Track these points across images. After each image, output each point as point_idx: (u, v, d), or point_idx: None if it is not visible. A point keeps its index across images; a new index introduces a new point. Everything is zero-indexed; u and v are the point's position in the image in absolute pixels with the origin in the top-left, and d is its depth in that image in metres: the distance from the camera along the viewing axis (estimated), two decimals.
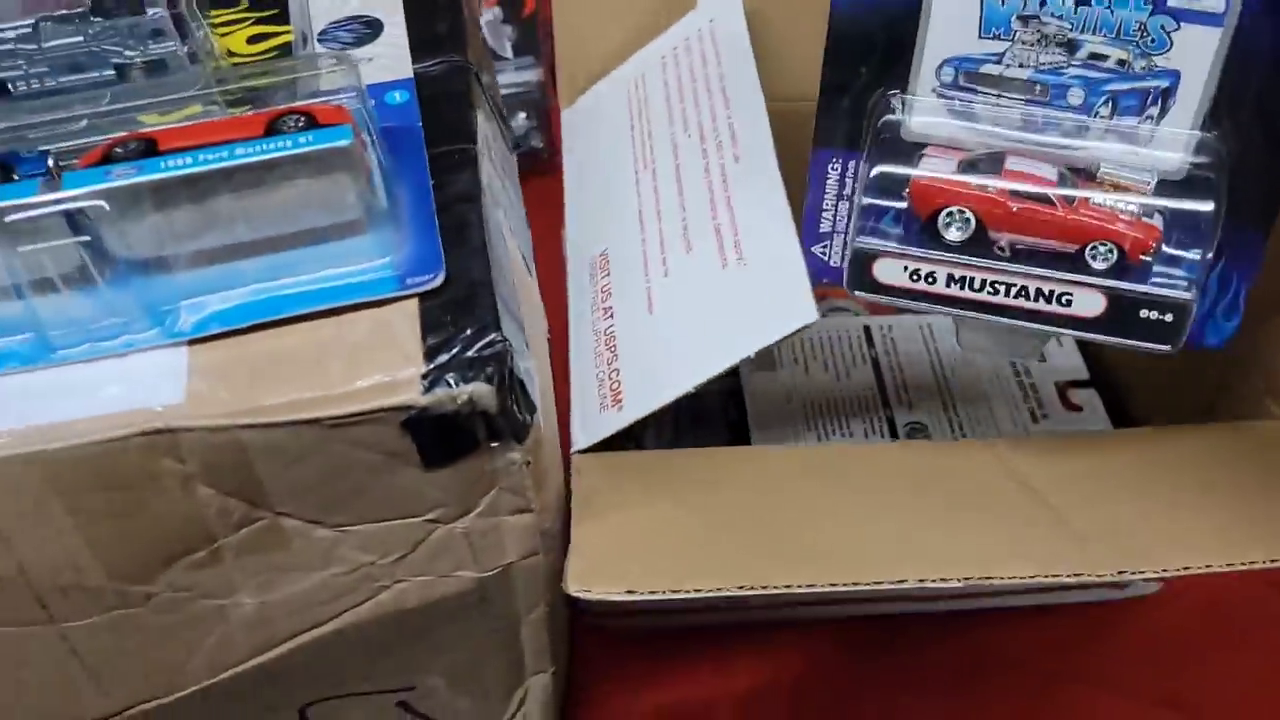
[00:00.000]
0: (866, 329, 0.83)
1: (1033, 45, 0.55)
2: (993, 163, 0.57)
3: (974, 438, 0.76)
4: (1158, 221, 0.55)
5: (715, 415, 0.79)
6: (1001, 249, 0.56)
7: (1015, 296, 0.56)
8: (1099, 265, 0.55)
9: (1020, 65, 0.56)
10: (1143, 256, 0.55)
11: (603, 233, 0.70)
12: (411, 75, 0.57)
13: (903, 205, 0.57)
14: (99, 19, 0.52)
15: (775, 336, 0.56)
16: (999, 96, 0.57)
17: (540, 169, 0.98)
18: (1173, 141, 0.55)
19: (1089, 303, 0.55)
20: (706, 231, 0.64)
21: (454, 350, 0.46)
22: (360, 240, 0.49)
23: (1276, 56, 0.52)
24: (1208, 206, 0.54)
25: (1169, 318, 0.54)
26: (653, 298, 0.64)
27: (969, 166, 0.57)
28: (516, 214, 0.63)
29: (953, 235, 0.56)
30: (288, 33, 0.57)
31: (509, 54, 0.98)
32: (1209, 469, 0.60)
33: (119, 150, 0.47)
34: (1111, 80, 0.55)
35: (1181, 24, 0.53)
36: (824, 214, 0.61)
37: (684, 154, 0.69)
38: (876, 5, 0.56)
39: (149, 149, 0.47)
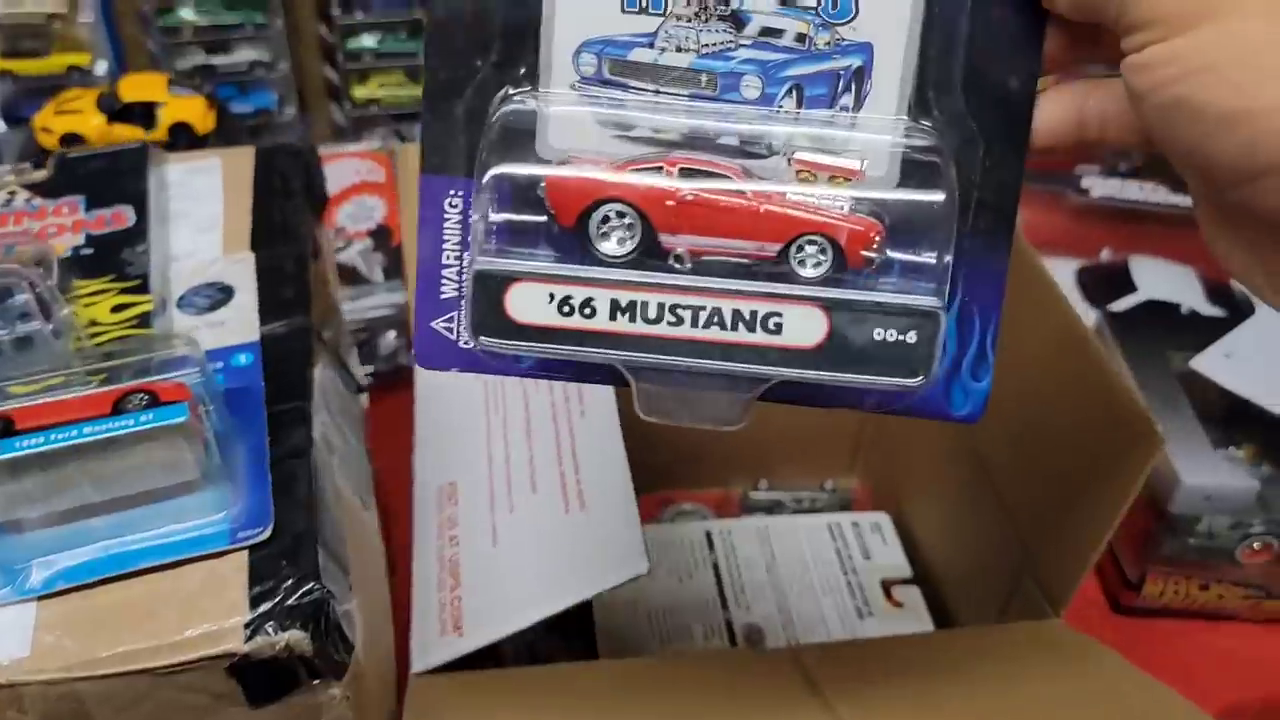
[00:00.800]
0: (708, 534, 0.89)
1: (690, 20, 0.45)
2: (657, 156, 0.45)
3: (804, 638, 0.82)
4: (874, 220, 0.45)
5: (566, 618, 0.84)
6: (680, 259, 0.44)
7: (706, 326, 0.44)
8: (810, 270, 0.44)
9: (679, 48, 0.45)
10: (865, 253, 0.44)
11: (452, 463, 0.76)
12: (258, 338, 0.64)
13: (540, 218, 0.45)
14: None
15: (608, 584, 0.58)
16: (657, 93, 0.45)
17: (408, 384, 1.04)
18: (877, 132, 0.45)
19: (805, 325, 0.44)
20: (552, 476, 0.68)
21: (276, 599, 0.52)
22: (198, 497, 0.55)
23: (983, 15, 0.43)
24: (938, 197, 0.44)
25: (911, 336, 0.43)
26: (498, 532, 0.68)
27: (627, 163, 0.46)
28: (353, 455, 0.69)
29: (613, 245, 0.44)
30: (148, 302, 0.64)
31: (380, 279, 1.06)
32: (990, 672, 0.65)
33: None
34: (792, 62, 0.44)
35: None
36: (445, 271, 0.46)
37: (533, 401, 0.75)
38: None
39: (6, 428, 0.53)
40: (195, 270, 0.68)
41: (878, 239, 0.44)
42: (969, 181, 0.45)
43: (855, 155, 0.45)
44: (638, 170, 0.45)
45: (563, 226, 0.45)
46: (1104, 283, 1.07)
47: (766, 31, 0.45)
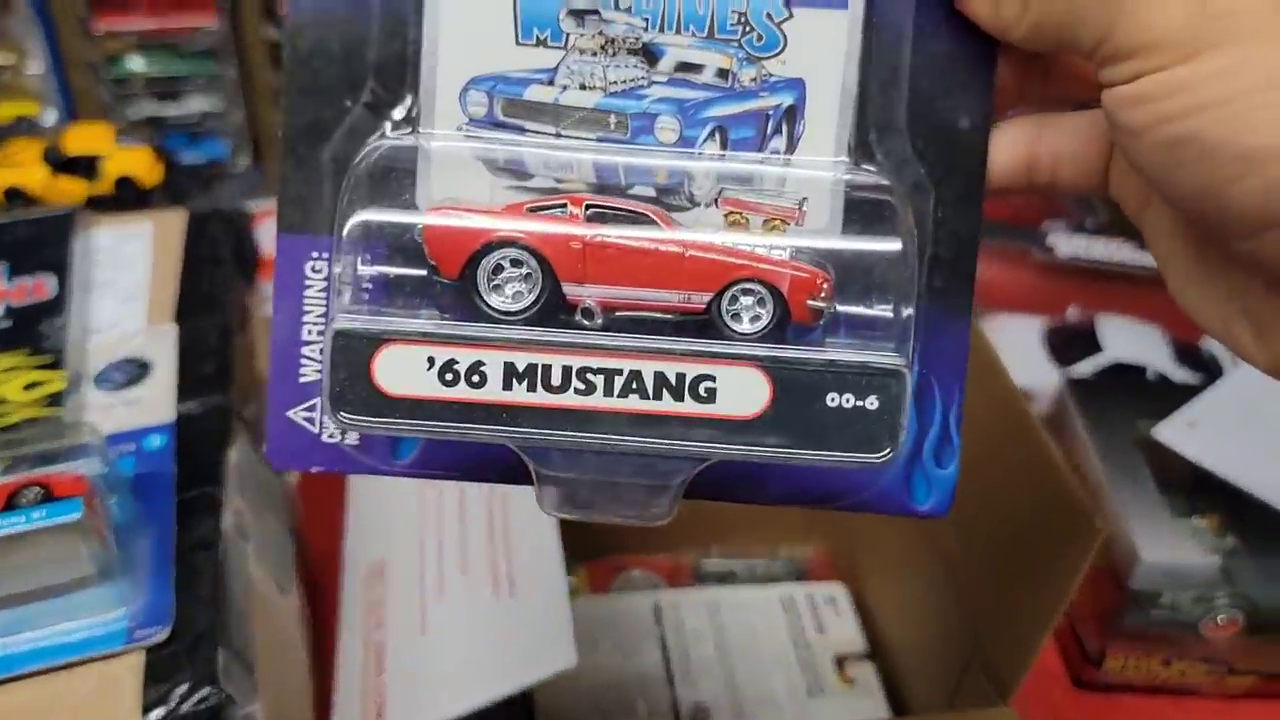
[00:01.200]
0: (656, 607, 0.87)
1: (595, 54, 0.39)
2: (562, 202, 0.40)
3: (753, 718, 0.80)
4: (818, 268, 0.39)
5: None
6: (589, 314, 0.38)
7: (623, 394, 0.36)
8: (746, 325, 0.38)
9: (583, 85, 0.39)
10: (811, 303, 0.39)
11: (382, 539, 0.74)
12: (173, 418, 0.62)
13: (418, 272, 0.38)
14: None
15: (536, 678, 0.56)
16: (558, 136, 0.39)
17: None
18: (814, 181, 0.40)
19: (743, 391, 0.36)
20: (483, 557, 0.65)
21: (171, 705, 0.50)
22: (95, 593, 0.53)
23: (927, 47, 0.39)
24: (893, 245, 0.39)
25: (871, 401, 0.37)
26: (426, 616, 0.65)
27: (525, 210, 0.40)
28: (272, 538, 0.66)
29: (507, 299, 0.38)
30: (61, 379, 0.62)
31: None
32: None
33: None
34: (714, 101, 0.39)
35: (794, 10, 0.39)
36: (306, 349, 0.40)
37: None
38: (359, 6, 0.39)
39: None
40: (116, 343, 0.66)
41: (825, 286, 0.38)
42: (923, 234, 0.40)
43: (792, 195, 0.40)
44: (536, 210, 0.39)
45: (447, 278, 0.38)
46: (1070, 343, 1.05)
47: (683, 67, 0.40)
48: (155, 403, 0.62)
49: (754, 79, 0.40)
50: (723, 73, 0.40)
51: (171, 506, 0.57)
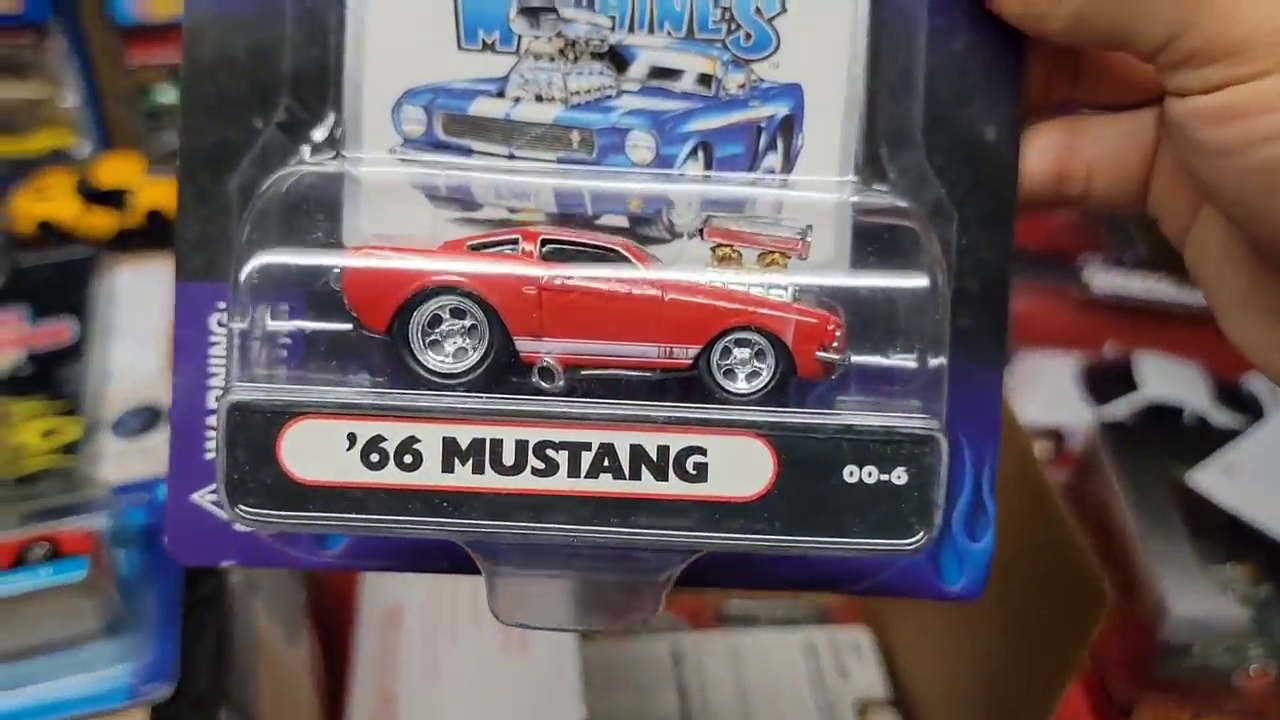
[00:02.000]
0: (676, 651, 0.85)
1: (553, 59, 0.33)
2: (514, 237, 0.32)
3: None
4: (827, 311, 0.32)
5: None
6: (549, 374, 0.31)
7: (591, 474, 0.29)
8: (743, 383, 0.31)
9: (539, 97, 0.33)
10: (821, 355, 0.31)
11: (398, 583, 0.74)
12: None
13: (340, 326, 0.31)
14: None
15: None
16: (510, 157, 0.33)
17: None
18: (815, 206, 0.33)
19: (742, 465, 0.29)
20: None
21: None
22: (100, 648, 0.54)
23: (946, 43, 0.33)
24: (919, 281, 0.32)
25: (899, 475, 0.30)
26: (439, 665, 0.65)
27: (466, 247, 0.32)
28: (283, 586, 0.66)
29: (447, 357, 0.31)
30: (77, 427, 0.63)
31: None
32: None
33: None
34: (695, 113, 0.33)
35: (788, 3, 0.33)
36: (211, 418, 0.34)
37: None
38: (269, 5, 0.32)
39: None
40: (131, 390, 0.66)
41: (837, 333, 0.32)
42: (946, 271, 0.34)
43: (792, 223, 0.33)
44: (481, 248, 0.31)
45: (373, 332, 0.31)
46: (1106, 381, 1.03)
47: (658, 73, 0.33)
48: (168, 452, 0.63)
49: (742, 85, 0.34)
50: (705, 79, 0.34)
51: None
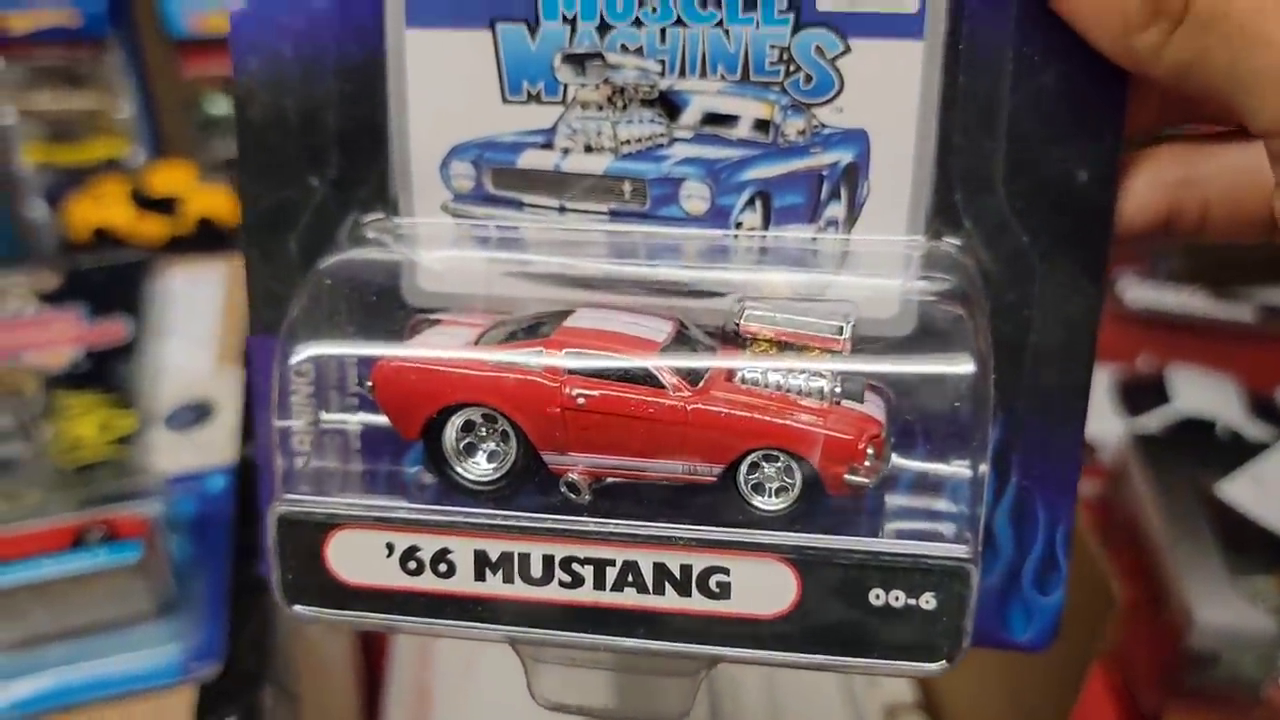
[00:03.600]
0: None
1: (602, 108, 0.31)
2: (550, 324, 0.31)
3: None
4: (873, 408, 0.30)
5: None
6: (575, 487, 0.31)
7: (617, 588, 0.29)
8: (769, 500, 0.30)
9: (588, 147, 0.31)
10: (851, 477, 0.30)
11: None
12: (235, 460, 0.64)
13: (376, 422, 0.32)
14: None
15: None
16: (561, 209, 0.32)
17: None
18: (881, 259, 0.31)
19: (765, 585, 0.29)
20: None
21: None
22: (152, 628, 0.56)
23: (1033, 79, 0.30)
24: (966, 368, 0.29)
25: (927, 600, 0.28)
26: (474, 659, 0.67)
27: (503, 334, 0.32)
28: None
29: (481, 464, 0.32)
30: (132, 420, 0.65)
31: None
32: None
33: None
34: (752, 160, 0.31)
35: (852, 42, 0.30)
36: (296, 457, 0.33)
37: None
38: (312, 64, 0.32)
39: None
40: (184, 386, 0.69)
41: (870, 451, 0.29)
42: (1022, 320, 0.31)
43: (838, 309, 0.30)
44: (508, 348, 0.30)
45: (404, 433, 0.32)
46: (1139, 393, 1.03)
47: (712, 119, 0.31)
48: (219, 445, 0.65)
49: (802, 131, 0.32)
50: (762, 124, 0.32)
51: (229, 547, 0.60)
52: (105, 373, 0.68)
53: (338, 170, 0.33)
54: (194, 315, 0.74)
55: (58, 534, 0.55)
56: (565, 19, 0.31)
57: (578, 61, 0.31)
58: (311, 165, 0.33)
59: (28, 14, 0.96)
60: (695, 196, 0.32)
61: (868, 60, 0.31)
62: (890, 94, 0.31)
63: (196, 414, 0.67)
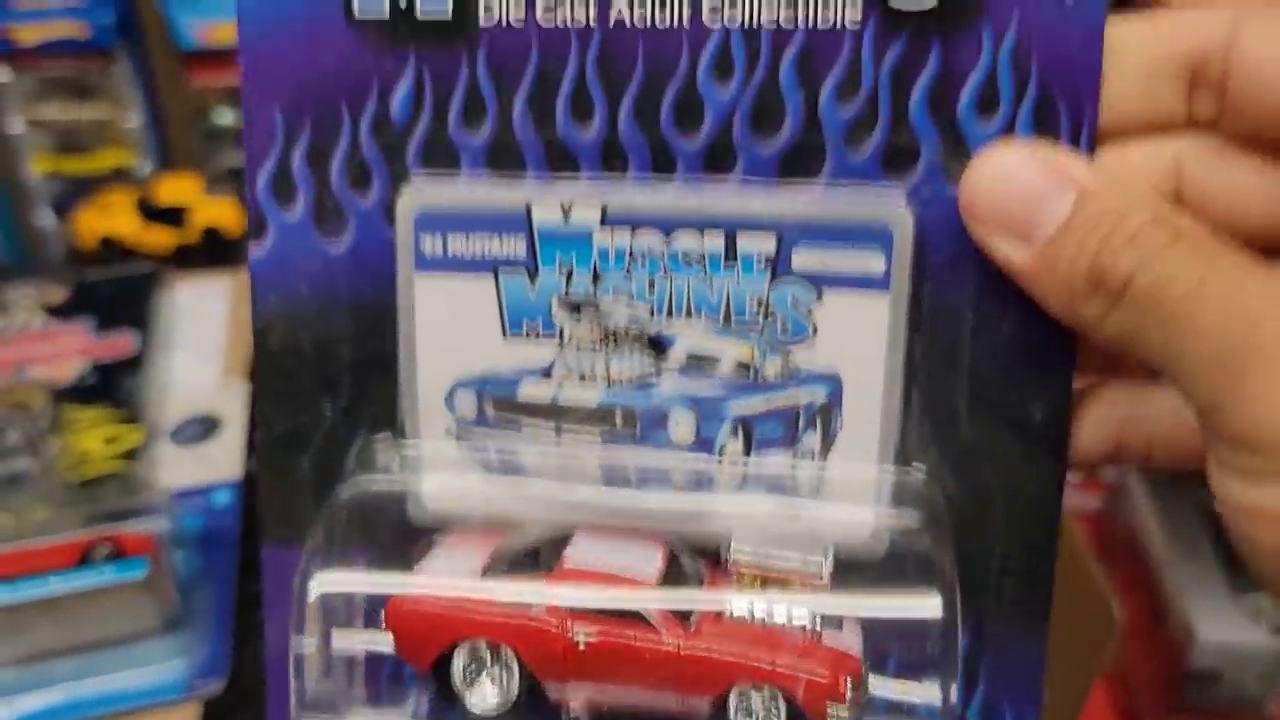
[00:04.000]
0: None
1: (595, 346, 0.35)
2: (550, 553, 0.35)
3: None
4: (851, 640, 0.33)
5: None
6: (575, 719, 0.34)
7: None
8: None
9: (582, 379, 0.35)
10: (834, 710, 0.32)
11: None
12: (241, 475, 0.65)
13: (387, 648, 0.35)
14: None
15: None
16: (557, 434, 0.35)
17: None
18: (853, 487, 0.34)
19: None
20: None
21: None
22: (159, 644, 0.57)
23: (991, 329, 0.33)
24: (933, 605, 0.32)
25: None
26: None
27: (507, 564, 0.35)
28: None
29: (483, 698, 0.34)
30: (138, 434, 0.65)
31: None
32: None
33: None
34: (735, 396, 0.35)
35: (824, 292, 0.34)
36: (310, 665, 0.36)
37: None
38: (328, 302, 0.35)
39: None
40: (190, 400, 0.69)
41: (850, 688, 0.32)
42: (986, 544, 0.34)
43: (816, 549, 0.34)
44: (512, 581, 0.33)
45: (414, 663, 0.35)
46: None
47: (697, 358, 0.35)
48: (224, 460, 0.65)
49: (780, 371, 0.35)
50: (743, 365, 0.35)
51: (234, 562, 0.60)
52: (112, 386, 0.69)
53: (349, 398, 0.36)
54: (200, 329, 0.74)
55: (65, 550, 0.56)
56: (562, 269, 0.34)
57: (573, 306, 0.35)
58: (325, 393, 0.36)
59: (38, 26, 0.97)
60: (682, 425, 0.35)
61: (839, 311, 0.34)
62: (860, 340, 0.34)
63: (202, 428, 0.67)
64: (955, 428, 0.34)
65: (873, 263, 0.33)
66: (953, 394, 0.34)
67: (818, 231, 0.34)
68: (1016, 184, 0.32)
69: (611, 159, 0.34)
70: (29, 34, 0.97)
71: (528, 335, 0.35)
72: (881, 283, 0.33)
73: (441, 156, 0.35)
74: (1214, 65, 0.31)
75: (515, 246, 0.35)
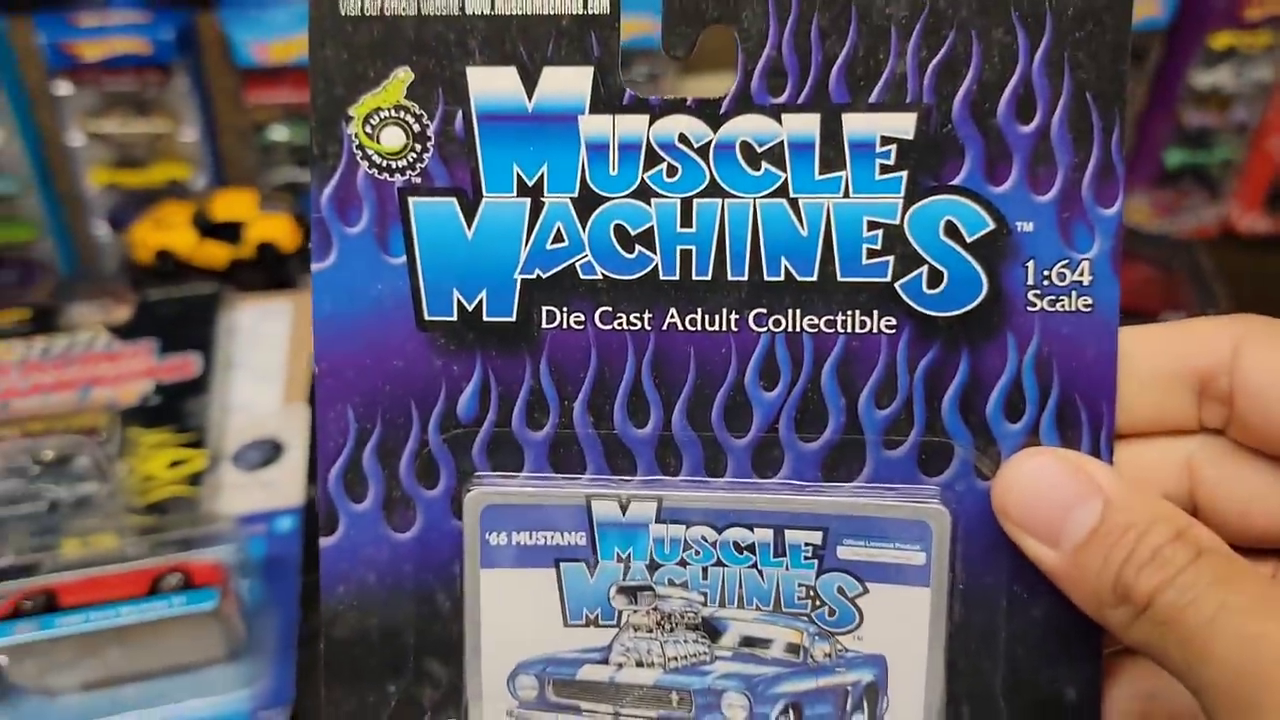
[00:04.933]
0: None
1: (651, 631, 0.38)
2: None
3: None
4: None
5: None
6: None
7: None
8: None
9: (639, 663, 0.38)
10: None
11: None
12: (303, 501, 0.66)
13: None
14: (39, 466, 0.63)
15: None
16: (615, 716, 0.38)
17: None
18: None
19: None
20: None
21: None
22: (225, 672, 0.58)
23: (1026, 613, 0.37)
24: None
25: None
26: None
27: None
28: None
29: None
30: (202, 458, 0.67)
31: None
32: None
33: (26, 604, 0.56)
34: (785, 677, 0.37)
35: (870, 585, 0.37)
36: None
37: None
38: (394, 590, 0.38)
39: (50, 603, 0.56)
40: (252, 423, 0.70)
41: None
42: None
43: None
44: None
45: None
46: None
47: (749, 642, 0.38)
48: (286, 484, 0.66)
49: (828, 655, 0.38)
50: (793, 648, 0.38)
51: (297, 590, 0.61)
52: (176, 409, 0.70)
53: (413, 680, 0.38)
54: (260, 350, 0.75)
55: (135, 579, 0.57)
56: (620, 559, 0.38)
57: (630, 593, 0.38)
58: (390, 676, 0.38)
59: (100, 42, 0.98)
60: (736, 706, 0.38)
61: (883, 600, 0.37)
62: (904, 627, 0.37)
63: (266, 453, 0.68)
64: (994, 709, 0.37)
65: (913, 557, 0.37)
66: (991, 676, 0.37)
67: (860, 528, 0.37)
68: (1045, 491, 0.34)
69: (666, 456, 0.37)
70: (92, 50, 0.99)
71: (587, 622, 0.38)
72: (922, 575, 0.37)
73: (506, 453, 0.38)
74: (1220, 380, 0.34)
75: (576, 539, 0.38)
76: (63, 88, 1.02)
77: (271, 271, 0.99)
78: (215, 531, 0.60)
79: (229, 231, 1.00)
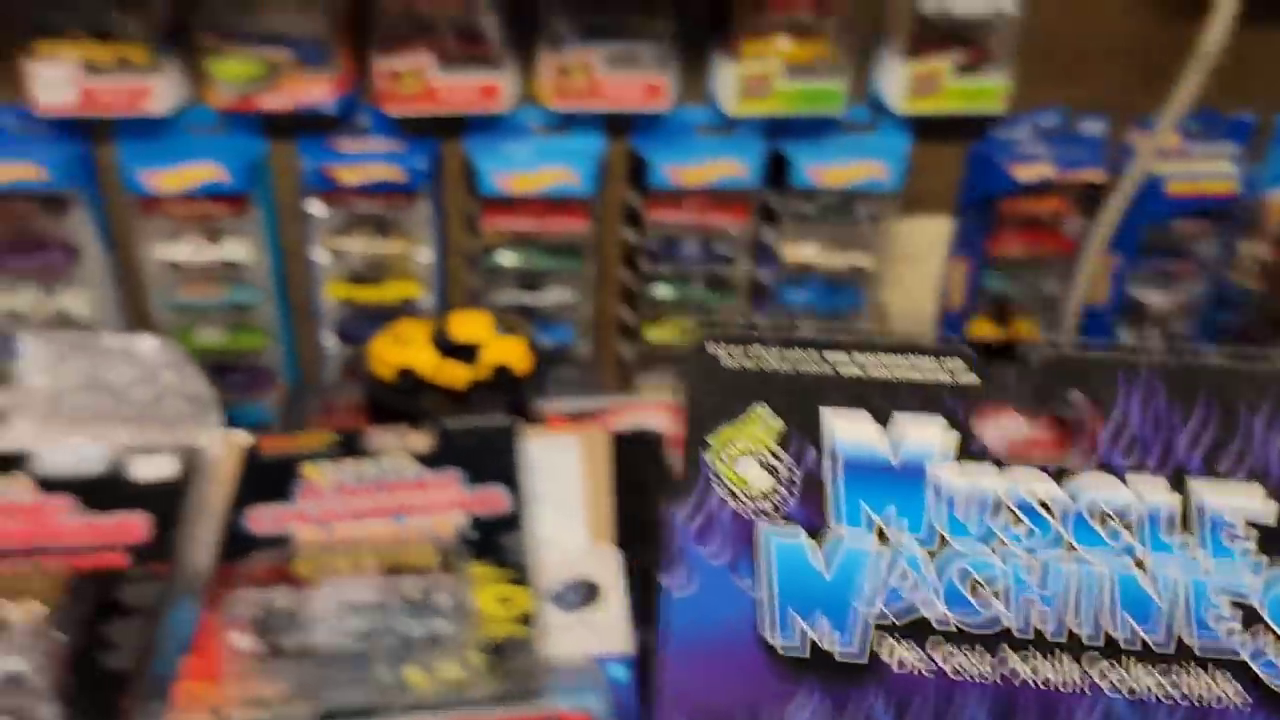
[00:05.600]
0: None
1: None
2: None
3: None
4: None
5: None
6: None
7: None
8: None
9: None
10: None
11: None
12: (632, 649, 0.67)
13: None
14: (403, 602, 0.65)
15: None
16: None
17: None
18: None
19: None
20: None
21: None
22: None
23: None
24: None
25: None
26: None
27: None
28: None
29: None
30: (527, 597, 0.68)
31: None
32: None
33: None
34: None
35: None
36: None
37: None
38: None
39: None
40: (565, 562, 0.72)
41: None
42: None
43: None
44: None
45: None
46: None
47: None
48: (611, 629, 0.68)
49: None
50: None
51: None
52: (493, 544, 0.71)
53: None
54: (558, 485, 0.77)
55: None
56: None
57: None
58: None
59: (360, 168, 1.03)
60: None
61: None
62: None
63: (584, 593, 0.70)
64: None
65: None
66: None
67: None
68: None
69: None
70: (350, 175, 1.03)
71: None
72: None
73: None
74: None
75: None
76: (315, 207, 1.06)
77: (507, 394, 1.02)
78: (579, 676, 0.61)
79: (466, 352, 1.03)
